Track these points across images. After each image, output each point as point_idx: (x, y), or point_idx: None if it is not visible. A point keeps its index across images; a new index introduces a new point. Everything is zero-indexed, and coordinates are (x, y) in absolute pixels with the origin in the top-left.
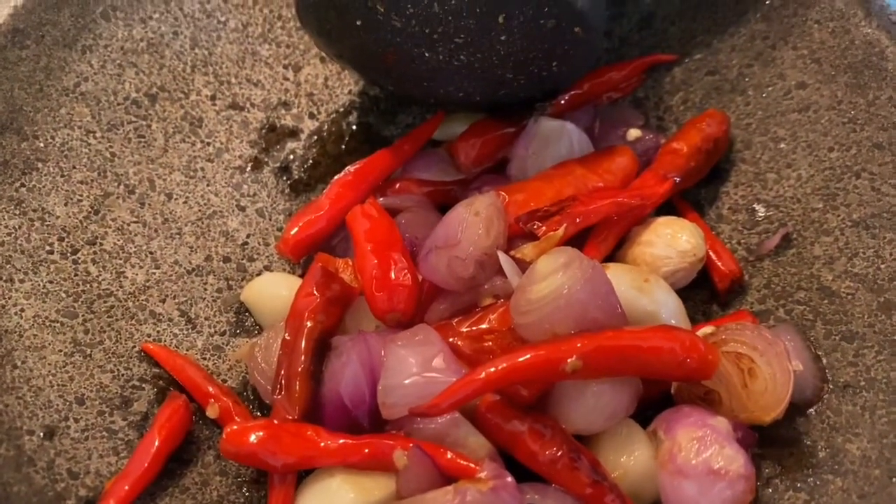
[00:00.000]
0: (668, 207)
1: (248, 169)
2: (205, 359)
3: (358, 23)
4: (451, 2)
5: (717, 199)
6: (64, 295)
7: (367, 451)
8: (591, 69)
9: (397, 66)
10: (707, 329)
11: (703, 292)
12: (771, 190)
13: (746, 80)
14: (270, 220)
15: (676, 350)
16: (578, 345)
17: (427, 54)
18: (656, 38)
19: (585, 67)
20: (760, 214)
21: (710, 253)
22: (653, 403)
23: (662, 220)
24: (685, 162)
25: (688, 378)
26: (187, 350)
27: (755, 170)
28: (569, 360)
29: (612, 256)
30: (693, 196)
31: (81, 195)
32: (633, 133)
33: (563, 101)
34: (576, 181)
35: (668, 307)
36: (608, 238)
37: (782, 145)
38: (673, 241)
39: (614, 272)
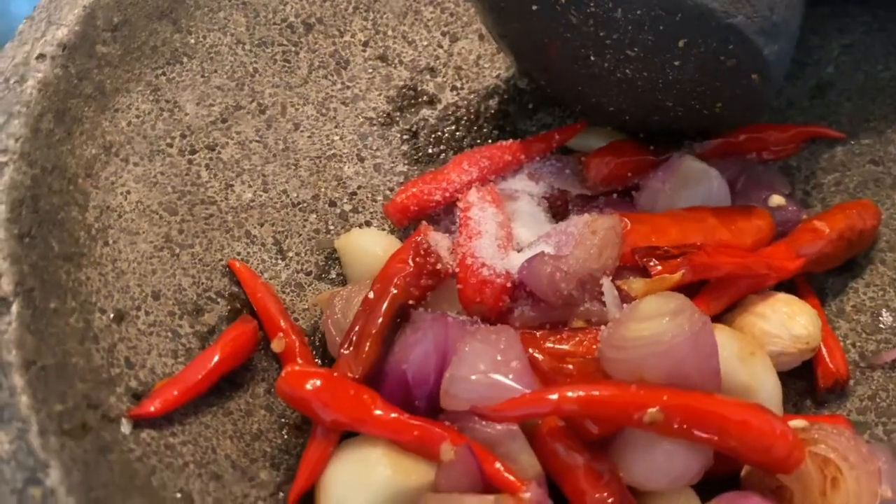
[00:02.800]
0: (790, 285)
1: (379, 123)
2: (284, 293)
3: (534, 7)
4: (635, 11)
5: (843, 293)
6: (170, 190)
7: (416, 433)
8: (753, 122)
9: (558, 62)
10: (799, 422)
11: (801, 383)
12: None
13: None
14: (385, 178)
15: (764, 433)
16: (665, 397)
17: (593, 58)
18: (826, 110)
19: (749, 118)
20: (885, 322)
21: (822, 346)
22: (716, 480)
23: (782, 297)
24: (823, 245)
25: (766, 466)
26: (270, 279)
27: (893, 275)
28: (650, 410)
29: (719, 318)
30: (818, 282)
31: (214, 100)
32: (776, 200)
33: (713, 146)
34: (705, 230)
35: (767, 388)
36: (722, 298)
37: None
38: (789, 321)
39: (721, 335)
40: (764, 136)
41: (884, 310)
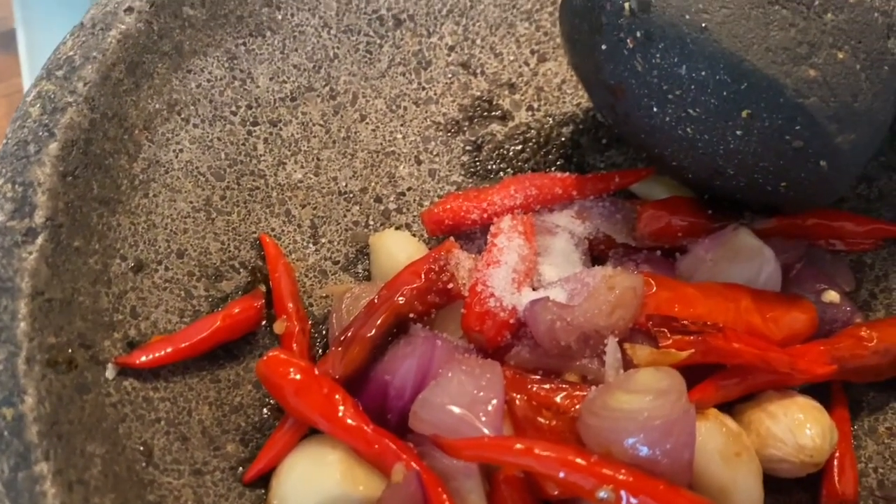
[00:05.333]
0: (823, 389)
1: (445, 129)
2: (307, 276)
3: (603, 46)
4: (700, 72)
5: (881, 411)
6: (223, 156)
7: (376, 446)
8: (826, 207)
9: (622, 104)
10: None
11: (804, 495)
12: None
13: None
14: (437, 184)
15: None
16: (621, 476)
17: (655, 109)
18: None
19: (816, 204)
20: None
21: (835, 462)
22: None
23: (801, 401)
24: (865, 355)
25: None
26: (297, 260)
27: None
28: (604, 487)
29: (728, 406)
30: (857, 394)
31: (288, 77)
32: (831, 296)
33: (775, 224)
34: (735, 312)
35: (746, 495)
36: (734, 387)
37: None
38: (798, 428)
39: (711, 427)
40: (835, 225)
41: None
